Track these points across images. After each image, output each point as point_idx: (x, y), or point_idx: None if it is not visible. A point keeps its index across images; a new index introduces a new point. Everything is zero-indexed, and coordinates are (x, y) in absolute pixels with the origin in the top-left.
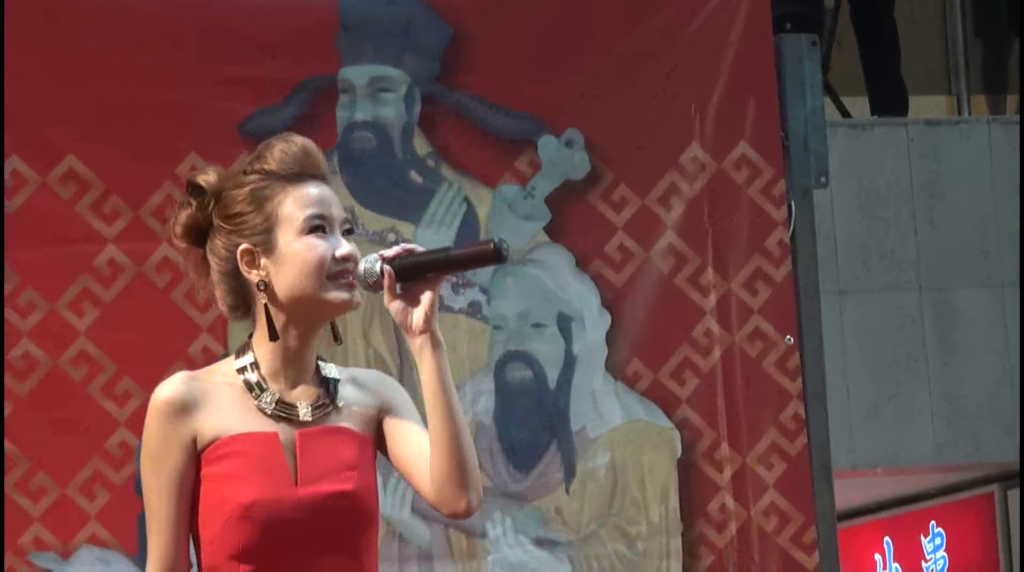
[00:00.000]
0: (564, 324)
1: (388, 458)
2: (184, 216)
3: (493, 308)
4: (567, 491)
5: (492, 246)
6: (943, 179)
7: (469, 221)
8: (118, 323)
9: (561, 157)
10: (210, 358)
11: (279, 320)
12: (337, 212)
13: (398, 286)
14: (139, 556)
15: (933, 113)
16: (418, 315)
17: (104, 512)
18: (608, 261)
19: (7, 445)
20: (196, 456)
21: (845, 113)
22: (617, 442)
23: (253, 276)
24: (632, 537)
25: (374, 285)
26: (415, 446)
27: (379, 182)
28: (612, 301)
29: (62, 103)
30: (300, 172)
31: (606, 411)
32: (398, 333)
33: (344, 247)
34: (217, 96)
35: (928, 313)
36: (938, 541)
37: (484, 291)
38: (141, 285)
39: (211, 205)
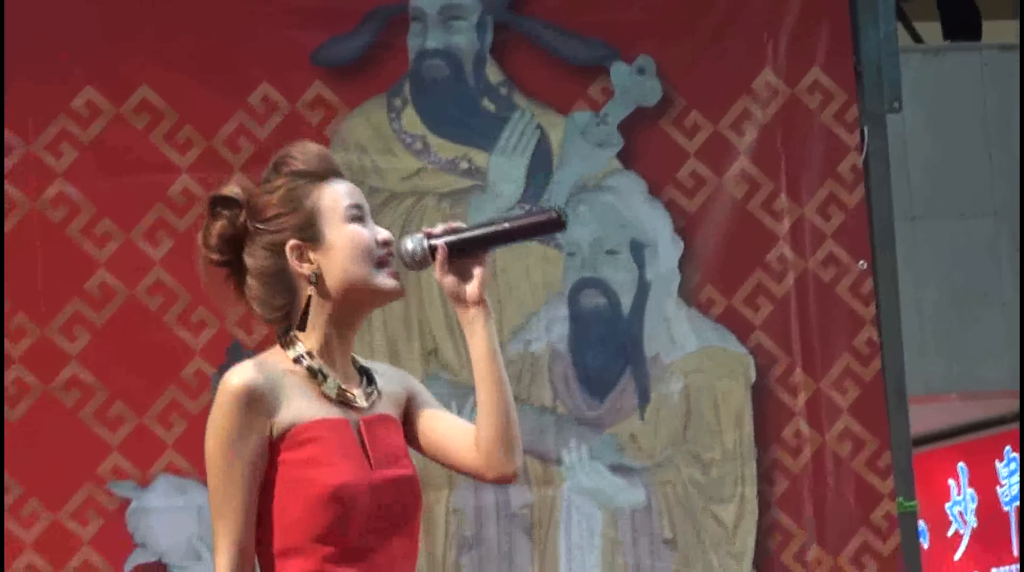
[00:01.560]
0: (637, 251)
1: (413, 442)
2: (218, 227)
3: (567, 235)
4: (641, 417)
5: (555, 215)
6: (1017, 104)
7: (542, 148)
8: (193, 252)
9: (633, 83)
10: None
11: (328, 310)
12: (367, 204)
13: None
14: None
15: (1006, 37)
16: (472, 287)
17: (181, 441)
18: (680, 187)
19: (87, 376)
20: (268, 443)
21: (918, 38)
22: (691, 368)
23: (305, 269)
24: (706, 463)
25: (420, 262)
26: (448, 424)
27: (452, 110)
28: (685, 227)
29: (135, 34)
30: (326, 169)
31: (679, 337)
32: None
33: (383, 233)
34: (289, 25)
35: (1003, 238)
36: (1013, 466)
37: None
38: None
39: (242, 214)
